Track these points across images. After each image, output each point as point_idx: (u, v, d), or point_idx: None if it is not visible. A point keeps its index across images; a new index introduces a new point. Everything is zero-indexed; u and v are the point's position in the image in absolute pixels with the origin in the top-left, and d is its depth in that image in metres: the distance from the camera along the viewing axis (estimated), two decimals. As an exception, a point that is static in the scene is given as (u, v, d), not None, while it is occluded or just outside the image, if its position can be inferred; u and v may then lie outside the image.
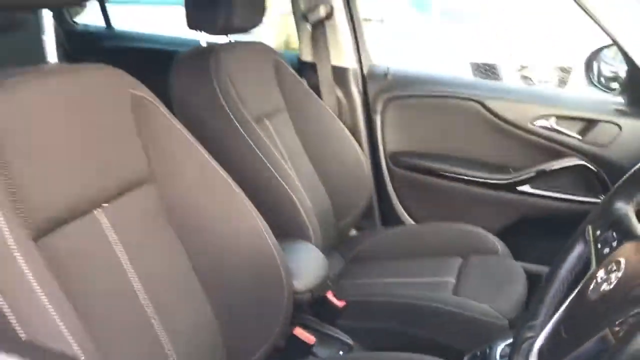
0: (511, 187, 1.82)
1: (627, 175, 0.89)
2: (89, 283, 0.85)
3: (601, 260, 0.77)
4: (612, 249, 0.78)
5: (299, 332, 1.24)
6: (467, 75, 3.90)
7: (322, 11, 1.84)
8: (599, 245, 0.81)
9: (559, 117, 1.76)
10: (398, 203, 1.99)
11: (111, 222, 0.94)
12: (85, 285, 0.84)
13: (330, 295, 1.41)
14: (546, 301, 0.85)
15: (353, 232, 1.97)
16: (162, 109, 1.06)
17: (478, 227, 1.73)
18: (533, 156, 1.80)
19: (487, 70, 4.04)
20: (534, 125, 1.78)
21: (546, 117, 1.77)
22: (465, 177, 1.87)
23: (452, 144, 1.91)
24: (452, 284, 1.50)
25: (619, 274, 0.69)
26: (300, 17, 1.91)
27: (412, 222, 1.99)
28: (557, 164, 1.77)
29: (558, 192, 1.78)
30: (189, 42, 1.62)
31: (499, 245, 1.67)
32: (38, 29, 0.98)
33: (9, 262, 0.69)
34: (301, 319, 1.30)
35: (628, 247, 0.74)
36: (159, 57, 1.58)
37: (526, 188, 1.81)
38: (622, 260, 0.70)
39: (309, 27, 1.91)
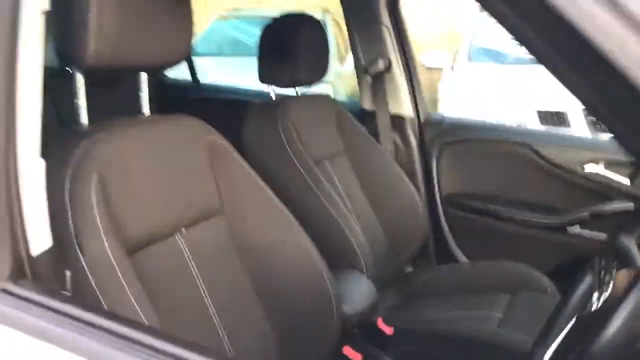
0: (562, 229, 1.89)
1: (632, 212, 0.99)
2: (168, 292, 1.04)
3: (601, 285, 0.88)
4: (612, 276, 0.88)
5: (348, 350, 1.38)
6: (533, 122, 3.94)
7: (381, 65, 2.02)
8: (603, 274, 0.91)
9: (608, 162, 1.83)
10: (453, 242, 2.09)
11: (188, 245, 1.13)
12: (165, 294, 1.03)
13: (379, 322, 1.54)
14: (557, 324, 0.95)
15: (409, 269, 2.08)
16: (232, 151, 1.25)
17: (529, 266, 1.81)
18: (583, 199, 1.87)
19: (555, 117, 4.04)
20: (584, 169, 1.86)
21: (595, 161, 1.84)
22: (518, 218, 1.96)
23: (504, 187, 2.01)
24: (498, 318, 1.58)
25: (606, 295, 0.79)
26: (361, 70, 2.10)
27: (467, 260, 2.08)
28: (606, 207, 1.83)
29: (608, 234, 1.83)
30: (262, 93, 1.83)
31: (549, 284, 1.73)
32: (134, 84, 1.19)
33: (108, 269, 0.89)
34: (350, 341, 1.43)
35: (622, 273, 0.84)
36: (236, 107, 1.79)
37: (577, 230, 1.87)
38: (611, 283, 0.81)
39: (369, 78, 2.09)
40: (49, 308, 0.66)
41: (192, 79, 2.82)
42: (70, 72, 1.04)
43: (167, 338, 0.64)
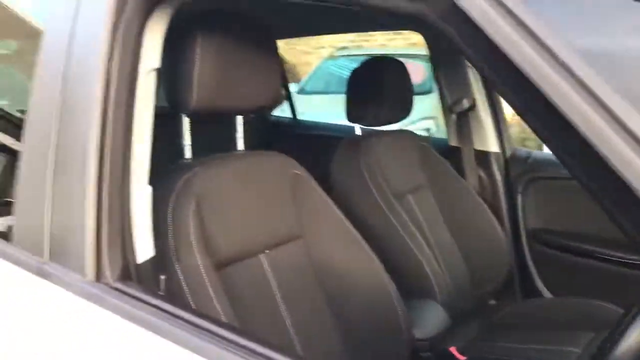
0: (650, 268, 1.85)
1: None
2: (249, 304, 1.20)
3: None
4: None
5: (418, 373, 1.46)
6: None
7: (465, 104, 2.11)
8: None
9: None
10: (537, 277, 2.09)
11: (270, 265, 1.29)
12: (246, 306, 1.19)
13: (453, 351, 1.60)
14: (604, 354, 1.00)
15: (492, 302, 2.11)
16: (313, 183, 1.40)
17: (615, 304, 1.78)
18: None
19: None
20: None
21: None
22: (603, 256, 1.94)
23: (591, 224, 1.99)
24: (575, 354, 1.59)
25: (639, 323, 0.84)
26: (447, 108, 2.20)
27: (551, 296, 2.07)
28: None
29: (701, 274, 1.77)
30: (353, 130, 1.98)
31: None
32: (229, 122, 1.37)
33: (198, 279, 1.06)
34: (422, 364, 1.51)
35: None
36: (329, 142, 1.93)
37: (666, 269, 1.82)
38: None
39: (454, 117, 2.19)
40: (149, 304, 0.83)
41: (292, 115, 3.06)
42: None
43: (249, 336, 0.77)
